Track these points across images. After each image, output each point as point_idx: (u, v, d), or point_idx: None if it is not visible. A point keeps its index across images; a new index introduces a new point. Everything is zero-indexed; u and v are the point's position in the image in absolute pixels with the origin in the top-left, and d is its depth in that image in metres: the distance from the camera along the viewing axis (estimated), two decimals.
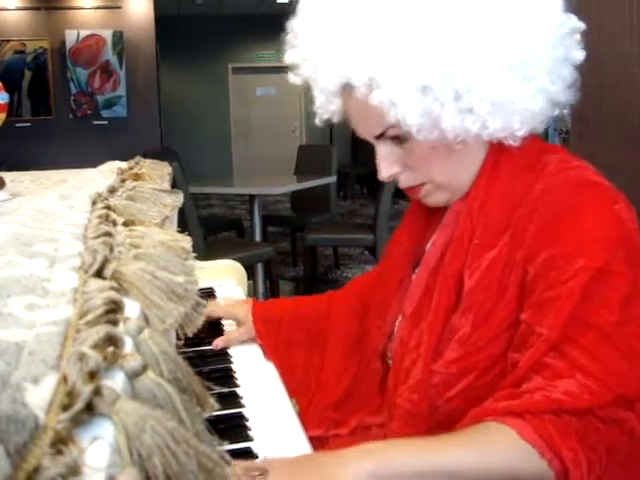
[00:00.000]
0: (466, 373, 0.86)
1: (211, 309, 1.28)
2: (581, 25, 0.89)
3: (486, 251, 0.86)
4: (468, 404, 0.83)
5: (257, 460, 0.84)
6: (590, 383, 0.75)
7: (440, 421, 0.88)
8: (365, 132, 0.93)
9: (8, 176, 1.33)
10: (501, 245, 0.85)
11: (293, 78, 0.98)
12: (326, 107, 0.95)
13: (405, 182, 0.95)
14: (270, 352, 1.23)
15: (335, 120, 0.98)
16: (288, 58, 0.96)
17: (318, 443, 1.07)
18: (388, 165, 0.93)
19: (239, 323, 1.29)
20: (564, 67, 0.87)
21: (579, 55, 0.89)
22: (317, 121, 0.99)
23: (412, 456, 0.74)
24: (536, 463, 0.72)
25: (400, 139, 0.89)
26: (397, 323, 1.03)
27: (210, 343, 1.31)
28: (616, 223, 0.81)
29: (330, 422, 1.15)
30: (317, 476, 0.72)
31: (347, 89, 0.88)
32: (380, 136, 0.91)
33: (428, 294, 0.94)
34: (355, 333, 1.19)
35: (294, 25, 0.94)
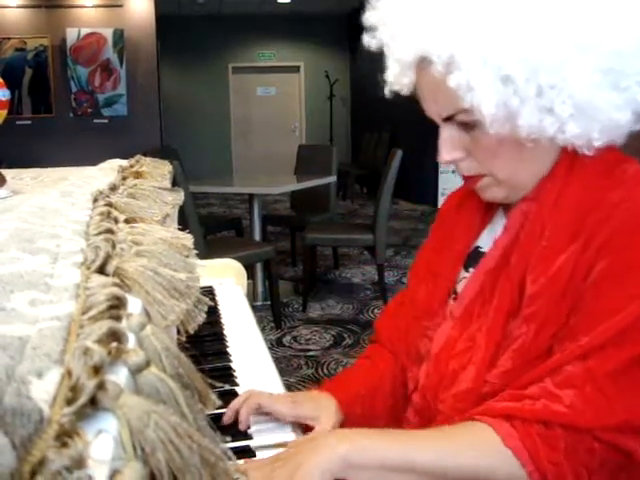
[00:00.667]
0: (516, 382, 0.81)
1: (276, 406, 0.95)
2: None
3: (554, 256, 0.81)
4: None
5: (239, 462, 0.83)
6: (598, 401, 0.72)
7: None
8: (433, 111, 0.87)
9: (9, 173, 1.33)
10: (571, 250, 0.80)
11: (367, 40, 0.91)
12: (398, 79, 0.89)
13: (465, 170, 0.90)
14: None
15: (404, 93, 0.92)
16: (367, 19, 0.90)
17: None
18: (450, 149, 0.87)
19: (312, 420, 0.95)
20: None
21: None
22: (386, 92, 0.93)
23: (386, 447, 0.73)
24: (515, 471, 0.72)
25: (469, 126, 0.84)
26: (443, 324, 0.97)
27: (209, 342, 1.31)
28: None
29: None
30: (292, 465, 0.72)
31: (424, 63, 0.82)
32: (448, 118, 0.85)
33: (482, 296, 0.90)
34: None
35: None
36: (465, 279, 0.96)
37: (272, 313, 3.97)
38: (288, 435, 0.93)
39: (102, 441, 0.30)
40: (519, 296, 0.84)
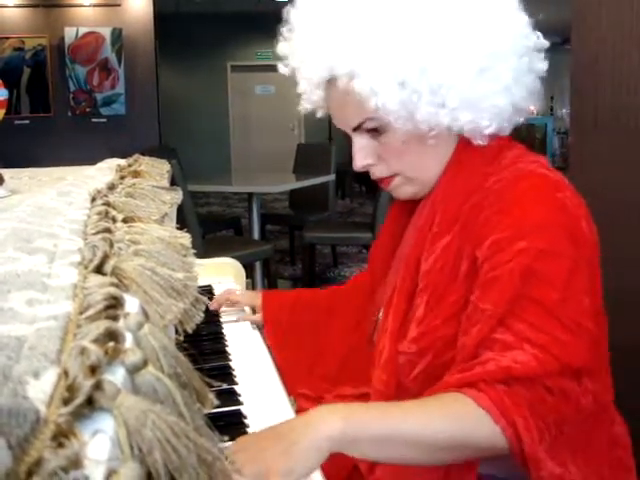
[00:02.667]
0: (425, 353, 0.91)
1: (235, 297, 1.48)
2: (545, 43, 0.98)
3: (440, 237, 0.93)
4: (430, 383, 0.87)
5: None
6: (537, 352, 0.79)
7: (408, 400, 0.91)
8: (343, 123, 0.99)
9: (7, 173, 1.32)
10: (454, 232, 0.91)
11: (282, 69, 1.03)
12: (309, 97, 1.01)
13: (377, 173, 1.01)
14: (271, 337, 1.37)
15: (319, 114, 1.06)
16: (280, 49, 1.03)
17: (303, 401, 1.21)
18: (363, 156, 0.99)
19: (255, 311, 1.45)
20: (527, 76, 0.95)
21: (542, 67, 0.97)
22: (301, 109, 1.06)
23: (377, 419, 0.76)
24: (490, 430, 0.76)
25: (376, 131, 0.96)
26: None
27: (209, 341, 1.31)
28: (558, 209, 0.87)
29: (318, 388, 1.25)
30: (286, 443, 0.72)
31: (330, 81, 0.95)
32: (357, 128, 0.97)
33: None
34: (353, 321, 1.28)
35: (289, 18, 1.00)
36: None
37: None
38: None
39: (99, 441, 0.30)
40: (416, 276, 0.95)
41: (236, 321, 1.43)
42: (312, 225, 4.45)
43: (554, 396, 0.78)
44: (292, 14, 1.00)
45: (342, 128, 1.01)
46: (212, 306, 1.45)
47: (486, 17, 0.92)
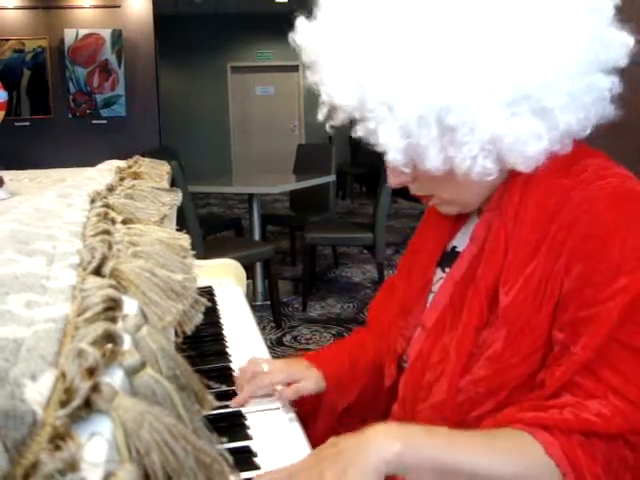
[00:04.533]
0: (495, 392, 0.82)
1: (272, 377, 1.03)
2: (609, 54, 0.80)
3: (523, 266, 0.81)
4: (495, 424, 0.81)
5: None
6: (623, 406, 0.72)
7: None
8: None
9: (7, 175, 1.33)
10: (538, 258, 0.80)
11: (309, 76, 0.90)
12: (335, 115, 0.89)
13: (414, 190, 0.92)
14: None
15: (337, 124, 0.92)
16: (304, 57, 0.90)
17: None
18: (396, 174, 0.89)
19: (300, 380, 1.03)
20: (587, 94, 0.79)
21: (605, 82, 0.81)
22: (327, 128, 0.93)
23: (441, 449, 0.71)
24: None
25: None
26: (417, 331, 0.98)
27: (209, 342, 1.31)
28: None
29: (337, 423, 1.10)
30: (343, 463, 0.69)
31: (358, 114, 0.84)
32: None
33: (452, 307, 0.90)
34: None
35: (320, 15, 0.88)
36: (442, 280, 0.97)
37: (272, 313, 3.97)
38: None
39: (96, 443, 0.30)
40: (488, 309, 0.84)
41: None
42: (313, 226, 4.45)
43: (635, 453, 0.72)
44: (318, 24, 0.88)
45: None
46: (236, 403, 1.01)
47: (510, 47, 0.75)
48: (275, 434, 0.94)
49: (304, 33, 0.89)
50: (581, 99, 0.79)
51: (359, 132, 0.83)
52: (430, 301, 0.97)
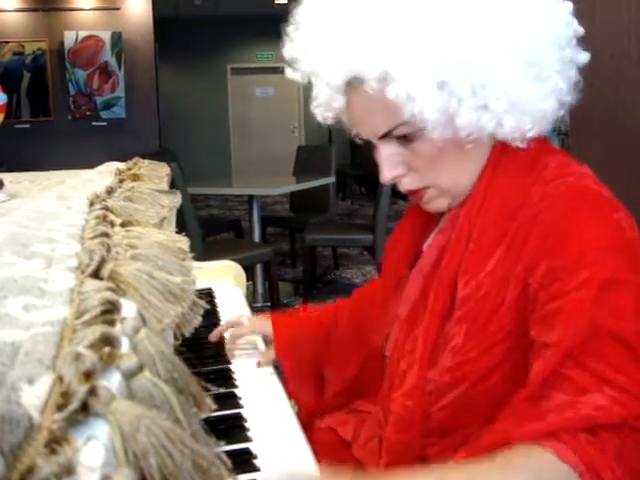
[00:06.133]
0: (458, 383, 0.84)
1: (237, 330, 1.28)
2: (581, 29, 0.87)
3: (483, 259, 0.83)
4: (460, 413, 0.84)
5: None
6: (618, 395, 0.71)
7: (432, 428, 0.87)
8: (368, 131, 0.88)
9: (7, 177, 1.32)
10: (499, 254, 0.82)
11: (291, 74, 0.93)
12: (329, 104, 0.90)
13: (408, 185, 0.91)
14: (290, 373, 1.24)
15: (329, 122, 0.95)
16: (287, 52, 0.91)
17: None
18: (392, 166, 0.88)
19: (267, 339, 1.26)
20: (570, 68, 0.85)
21: (583, 57, 0.87)
22: (320, 118, 0.95)
23: None
24: None
25: (407, 139, 0.85)
26: (395, 325, 1.01)
27: (208, 345, 1.31)
28: (617, 232, 0.79)
29: (332, 406, 1.21)
30: None
31: (354, 84, 0.84)
32: (385, 136, 0.86)
33: (423, 298, 0.92)
34: (359, 330, 1.21)
35: (296, 17, 0.89)
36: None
37: None
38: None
39: (92, 447, 0.30)
40: (451, 298, 0.85)
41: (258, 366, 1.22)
42: (313, 227, 4.45)
43: None
44: (303, 9, 0.89)
45: (364, 136, 0.90)
46: (212, 337, 1.28)
47: (526, 5, 0.82)
48: (275, 436, 0.94)
49: (299, 18, 0.89)
50: (567, 71, 0.85)
51: (391, 93, 0.80)
52: (403, 295, 1.00)
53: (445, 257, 0.88)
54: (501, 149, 0.87)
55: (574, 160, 0.89)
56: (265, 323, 1.26)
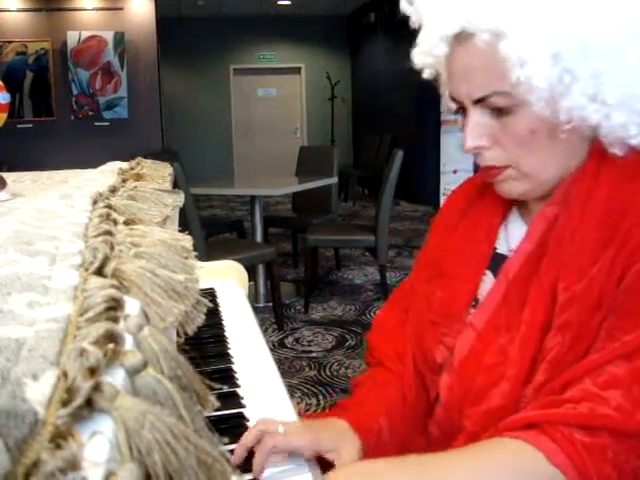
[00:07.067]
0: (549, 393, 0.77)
1: (293, 441, 0.82)
2: None
3: (588, 264, 0.77)
4: None
5: None
6: None
7: None
8: (463, 93, 0.82)
9: (9, 176, 1.33)
10: (604, 260, 0.76)
11: (404, 6, 0.86)
12: (432, 51, 0.84)
13: (488, 159, 0.84)
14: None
15: (426, 73, 0.90)
16: None
17: None
18: (477, 135, 0.82)
19: (333, 454, 0.85)
20: None
21: None
22: (417, 64, 0.89)
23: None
24: None
25: (501, 111, 0.80)
26: (464, 334, 0.92)
27: (211, 344, 1.31)
28: None
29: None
30: None
31: (463, 36, 0.79)
32: (479, 101, 0.81)
33: (507, 306, 0.85)
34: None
35: None
36: (486, 284, 0.92)
37: (274, 315, 3.97)
38: (306, 476, 0.81)
39: (97, 442, 0.30)
40: (552, 306, 0.79)
41: None
42: (315, 228, 4.45)
43: None
44: None
45: (456, 97, 0.84)
46: (239, 456, 0.82)
47: None
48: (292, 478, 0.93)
49: None
50: None
51: (502, 49, 0.75)
52: (480, 302, 0.91)
53: (544, 263, 0.82)
54: (601, 154, 0.81)
55: None
56: (324, 427, 0.88)
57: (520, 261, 0.86)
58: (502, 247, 0.93)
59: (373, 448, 0.89)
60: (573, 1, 0.73)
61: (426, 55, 0.87)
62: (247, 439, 0.83)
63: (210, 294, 1.63)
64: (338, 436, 0.86)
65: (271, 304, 4.08)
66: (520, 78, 0.75)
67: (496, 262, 0.92)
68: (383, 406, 0.96)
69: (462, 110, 0.85)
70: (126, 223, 0.76)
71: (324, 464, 0.84)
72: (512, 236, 0.92)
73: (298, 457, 0.83)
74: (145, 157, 1.57)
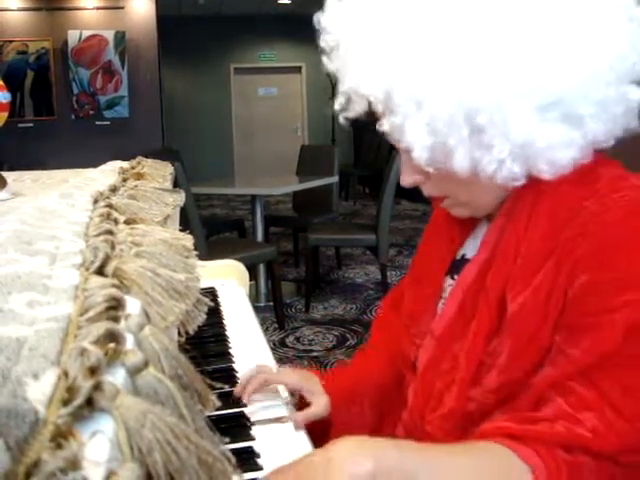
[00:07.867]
0: (502, 404, 0.80)
1: (283, 378, 1.06)
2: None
3: (531, 273, 0.78)
4: None
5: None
6: (620, 424, 0.69)
7: None
8: (390, 136, 0.85)
9: (10, 176, 1.33)
10: (547, 268, 0.77)
11: (325, 61, 0.88)
12: (352, 106, 0.87)
13: (427, 191, 0.89)
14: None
15: (351, 116, 0.90)
16: (322, 40, 0.87)
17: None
18: (410, 172, 0.86)
19: (310, 395, 1.03)
20: (616, 107, 0.76)
21: (637, 96, 0.76)
22: (341, 120, 0.91)
23: (414, 468, 0.67)
24: None
25: None
26: (427, 339, 0.95)
27: (212, 343, 1.31)
28: None
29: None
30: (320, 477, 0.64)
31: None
32: None
33: (462, 315, 0.88)
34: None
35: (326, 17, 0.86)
36: (451, 287, 0.94)
37: (275, 314, 3.97)
38: (281, 409, 1.01)
39: (98, 442, 0.30)
40: (497, 316, 0.81)
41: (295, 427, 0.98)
42: (316, 227, 4.45)
43: (623, 469, 0.70)
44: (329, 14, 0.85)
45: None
46: (238, 391, 1.03)
47: (548, 52, 0.72)
48: (278, 435, 0.94)
49: (332, 14, 0.85)
50: (612, 109, 0.76)
51: (384, 126, 0.80)
52: (440, 308, 0.94)
53: (490, 274, 0.84)
54: None
55: (628, 172, 0.83)
56: (307, 375, 1.06)
57: (474, 270, 0.88)
58: (471, 252, 0.93)
59: (343, 414, 1.03)
60: (452, 70, 0.73)
61: (349, 111, 0.88)
62: (245, 376, 1.04)
63: (211, 293, 1.63)
64: (316, 386, 1.04)
65: (272, 303, 4.08)
66: (406, 145, 0.78)
67: (460, 267, 0.93)
68: (361, 384, 1.08)
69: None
70: (127, 222, 0.76)
71: (315, 436, 0.96)
72: (479, 242, 0.92)
73: (278, 398, 1.05)
74: (146, 156, 1.57)
